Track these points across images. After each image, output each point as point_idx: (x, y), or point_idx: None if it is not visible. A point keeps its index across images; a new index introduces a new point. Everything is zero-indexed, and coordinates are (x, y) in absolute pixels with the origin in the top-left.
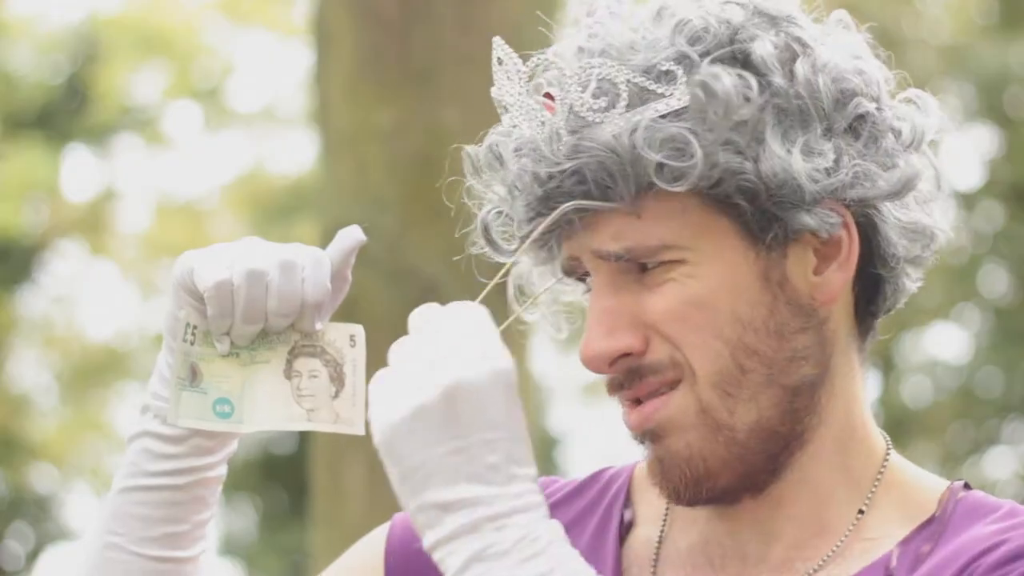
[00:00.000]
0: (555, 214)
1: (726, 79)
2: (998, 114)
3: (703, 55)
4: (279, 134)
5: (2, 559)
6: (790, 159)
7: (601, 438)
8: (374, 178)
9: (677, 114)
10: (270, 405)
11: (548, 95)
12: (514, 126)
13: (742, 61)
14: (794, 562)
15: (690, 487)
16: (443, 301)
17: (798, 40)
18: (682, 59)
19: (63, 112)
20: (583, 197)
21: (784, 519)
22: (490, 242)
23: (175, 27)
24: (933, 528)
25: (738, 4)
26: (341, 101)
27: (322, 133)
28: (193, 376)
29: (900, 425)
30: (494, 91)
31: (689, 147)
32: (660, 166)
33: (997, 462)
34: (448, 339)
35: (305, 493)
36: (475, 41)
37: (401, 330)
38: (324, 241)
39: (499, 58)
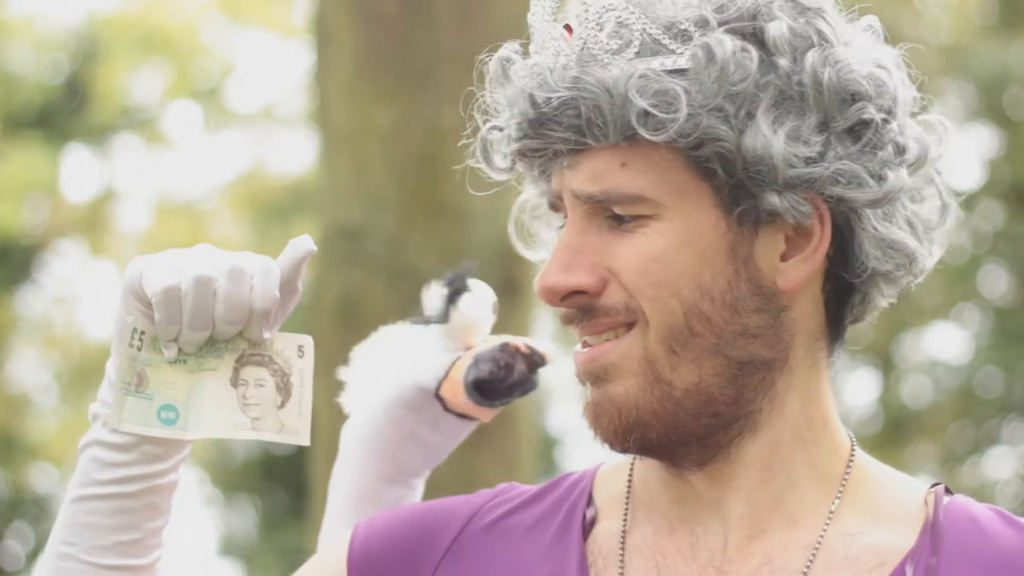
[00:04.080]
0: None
1: (728, 47)
2: (998, 114)
3: (721, 23)
4: (279, 134)
5: (2, 559)
6: (772, 139)
7: None
8: (374, 178)
9: (680, 72)
10: (215, 413)
11: (567, 27)
12: (535, 51)
13: (755, 37)
14: (771, 555)
15: (619, 433)
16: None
17: (818, 32)
18: (701, 23)
19: (63, 112)
20: (573, 132)
21: (743, 503)
22: (485, 157)
23: (175, 27)
24: (932, 537)
25: None
26: (341, 101)
27: (322, 133)
28: (139, 382)
29: (900, 425)
30: (529, 15)
31: (676, 102)
32: (645, 114)
33: (997, 462)
34: None
35: (305, 493)
36: (475, 41)
37: None
38: (324, 241)
39: None
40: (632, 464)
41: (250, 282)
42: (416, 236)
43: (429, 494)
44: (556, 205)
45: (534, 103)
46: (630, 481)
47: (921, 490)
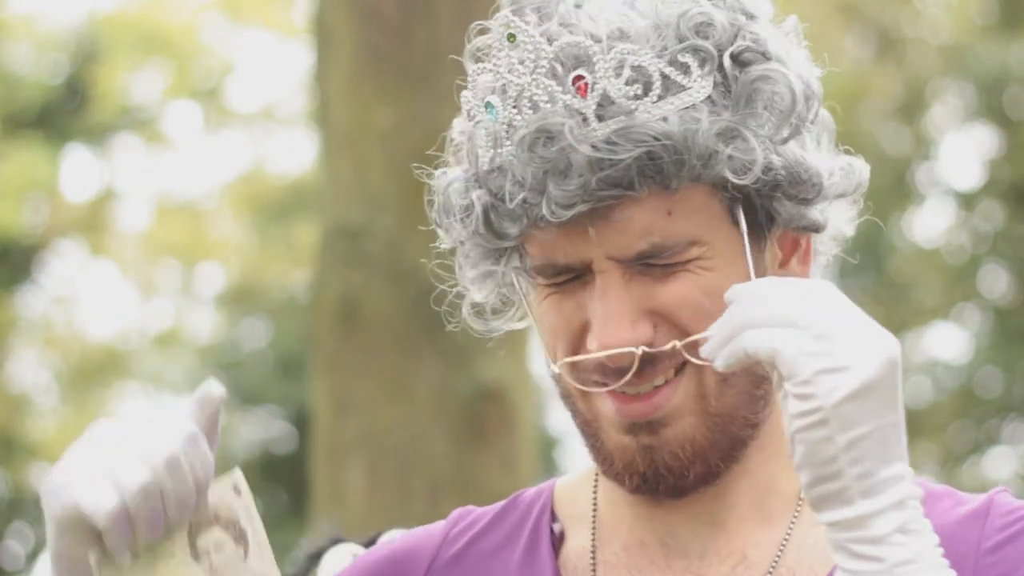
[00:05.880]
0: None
1: (755, 73)
2: (998, 114)
3: (718, 48)
4: (279, 134)
5: (2, 559)
6: (803, 154)
7: None
8: (374, 178)
9: (695, 107)
10: None
11: (579, 78)
12: (515, 109)
13: (764, 56)
14: (745, 552)
15: (669, 474)
16: (442, 301)
17: (784, 38)
18: (696, 51)
19: (63, 112)
20: (627, 187)
21: (727, 508)
22: (491, 229)
23: (175, 27)
24: None
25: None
26: (341, 101)
27: (322, 133)
28: None
29: None
30: (503, 72)
31: (749, 140)
32: (729, 158)
33: (997, 462)
34: (848, 311)
35: (305, 493)
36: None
37: (401, 330)
38: (324, 241)
39: (511, 35)
40: (596, 481)
41: (188, 468)
42: (416, 236)
43: (430, 494)
44: (564, 269)
45: (591, 166)
46: (595, 497)
47: None
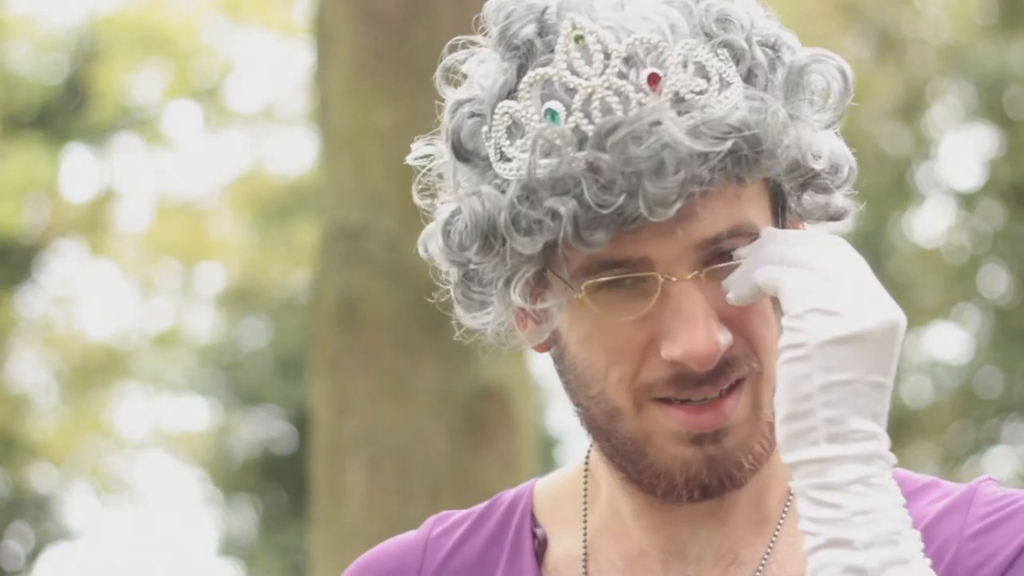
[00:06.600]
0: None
1: (802, 60)
2: (998, 114)
3: (747, 39)
4: (279, 134)
5: (2, 559)
6: (834, 144)
7: None
8: (374, 178)
9: (758, 97)
10: None
11: (654, 76)
12: (581, 113)
13: (777, 44)
14: (738, 552)
15: (731, 483)
16: (443, 302)
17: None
18: (727, 45)
19: (62, 112)
20: (709, 182)
21: (729, 510)
22: (579, 238)
23: (174, 26)
24: None
25: None
26: (341, 101)
27: (322, 133)
28: None
29: (900, 425)
30: (564, 75)
31: (808, 125)
32: (797, 146)
33: (997, 462)
34: (866, 273)
35: (305, 493)
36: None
37: (401, 330)
38: (324, 241)
39: (579, 36)
40: (585, 486)
41: None
42: (416, 236)
43: (430, 494)
44: (625, 266)
45: (687, 160)
46: (585, 504)
47: None
